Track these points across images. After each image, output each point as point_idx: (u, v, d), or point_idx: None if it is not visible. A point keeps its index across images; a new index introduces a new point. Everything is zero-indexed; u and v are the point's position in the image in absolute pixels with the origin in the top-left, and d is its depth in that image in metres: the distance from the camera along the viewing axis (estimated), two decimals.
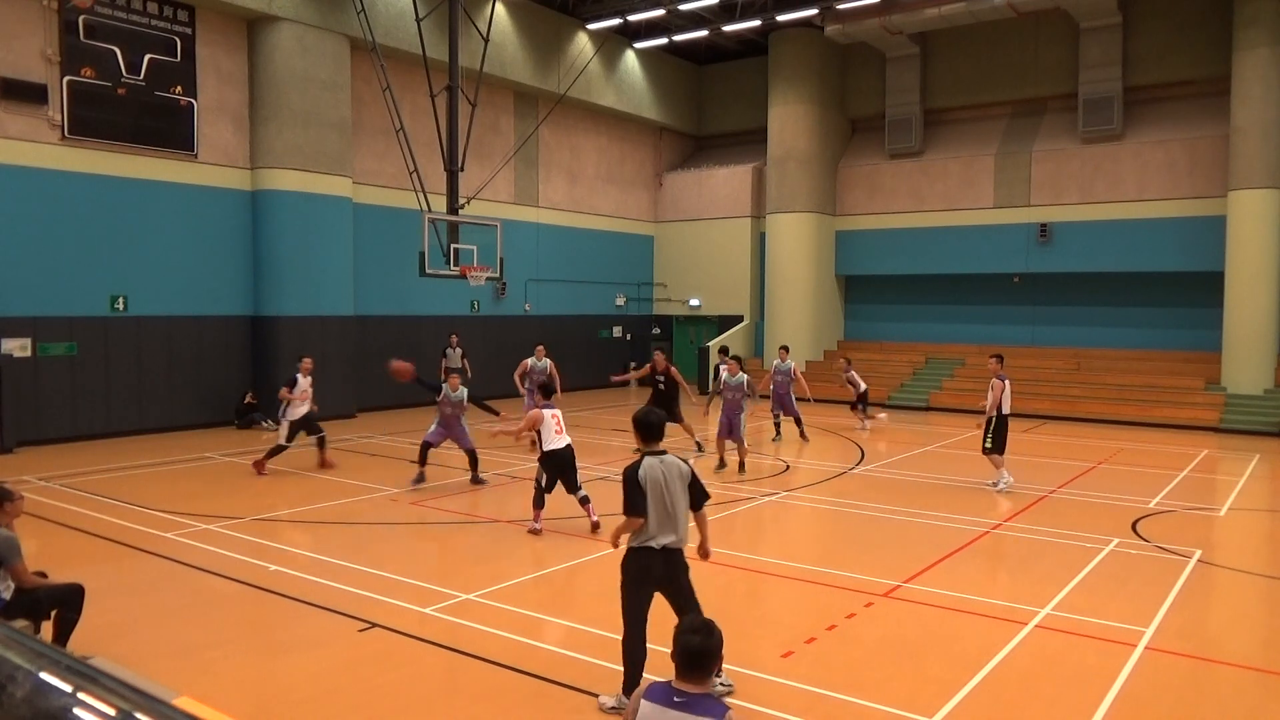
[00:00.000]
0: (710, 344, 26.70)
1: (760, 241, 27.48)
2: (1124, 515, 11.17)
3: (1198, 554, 9.41)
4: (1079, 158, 23.14)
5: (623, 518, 5.52)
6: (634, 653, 5.52)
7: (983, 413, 12.86)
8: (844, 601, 7.76)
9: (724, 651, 3.57)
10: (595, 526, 10.06)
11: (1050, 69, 23.81)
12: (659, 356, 15.84)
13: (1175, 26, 22.19)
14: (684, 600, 5.53)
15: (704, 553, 5.92)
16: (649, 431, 5.69)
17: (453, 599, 7.74)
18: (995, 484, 12.74)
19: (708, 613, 4.25)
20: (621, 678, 5.61)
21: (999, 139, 24.65)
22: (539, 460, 10.18)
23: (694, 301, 28.85)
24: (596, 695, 5.77)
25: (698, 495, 5.64)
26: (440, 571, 8.64)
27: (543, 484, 10.09)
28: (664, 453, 5.63)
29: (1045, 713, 5.67)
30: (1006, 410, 12.59)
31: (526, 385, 15.95)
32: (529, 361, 16.19)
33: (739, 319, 27.87)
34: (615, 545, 5.82)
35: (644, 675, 5.41)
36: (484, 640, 6.74)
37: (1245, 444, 17.71)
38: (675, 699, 3.24)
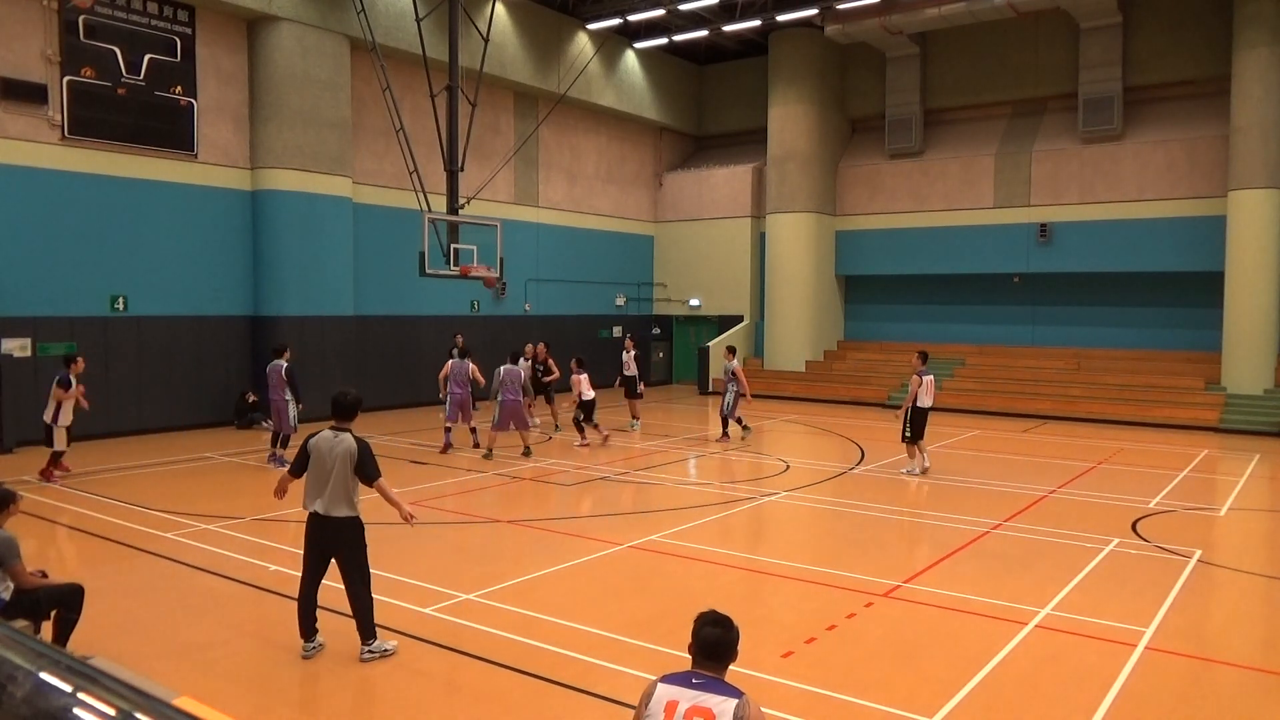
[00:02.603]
0: (710, 344, 26.72)
1: (760, 241, 27.48)
2: (1124, 515, 11.17)
3: (1198, 554, 9.41)
4: (1079, 158, 23.14)
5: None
6: (300, 602, 6.49)
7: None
8: (844, 601, 7.76)
9: (734, 656, 3.62)
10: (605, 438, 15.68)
11: (1050, 69, 23.81)
12: (540, 347, 18.36)
13: (1175, 26, 22.19)
14: (344, 570, 6.40)
15: (405, 516, 6.57)
16: (335, 409, 6.58)
17: (453, 599, 7.74)
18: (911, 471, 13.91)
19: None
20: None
21: (999, 139, 24.65)
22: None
23: (694, 301, 28.85)
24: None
25: (365, 471, 6.35)
26: (440, 571, 8.64)
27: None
28: (346, 431, 6.46)
29: (1045, 713, 5.67)
30: (924, 404, 13.88)
31: (449, 387, 15.79)
32: (451, 363, 16.20)
33: (739, 319, 27.87)
34: (277, 496, 6.93)
35: (641, 676, 5.41)
36: (484, 640, 6.74)
37: (1245, 444, 17.71)
38: (694, 680, 3.38)
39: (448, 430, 15.64)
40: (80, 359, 13.32)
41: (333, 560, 6.44)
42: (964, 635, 7.04)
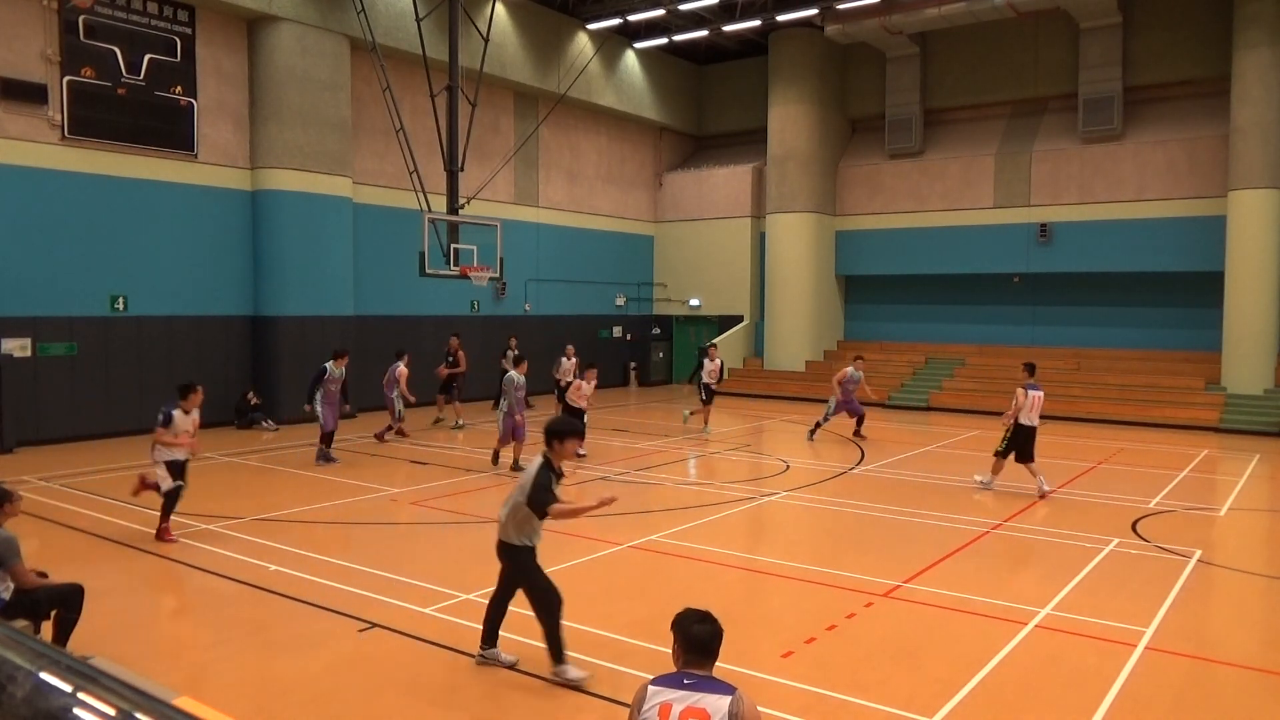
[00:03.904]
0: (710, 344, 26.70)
1: (760, 241, 27.48)
2: (1124, 515, 11.17)
3: (1198, 554, 9.41)
4: (1079, 158, 23.14)
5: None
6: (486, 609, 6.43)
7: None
8: (844, 601, 7.76)
9: (724, 651, 3.62)
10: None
11: (1050, 69, 23.81)
12: (454, 340, 18.91)
13: (1175, 26, 22.19)
14: (501, 585, 6.33)
15: (604, 502, 6.25)
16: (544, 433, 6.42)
17: (453, 599, 7.74)
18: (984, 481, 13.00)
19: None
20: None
21: (999, 139, 24.65)
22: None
23: (694, 301, 28.85)
24: (583, 684, 5.93)
25: (530, 502, 6.10)
26: (440, 571, 8.64)
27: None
28: (543, 458, 6.23)
29: (1045, 713, 5.67)
30: (1028, 422, 12.36)
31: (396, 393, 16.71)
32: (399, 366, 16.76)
33: (739, 319, 27.88)
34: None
35: (642, 676, 5.41)
36: None
37: (1245, 444, 17.71)
38: (685, 680, 3.37)
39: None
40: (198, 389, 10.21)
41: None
42: (964, 635, 7.04)
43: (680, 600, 7.88)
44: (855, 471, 14.22)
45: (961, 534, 10.22)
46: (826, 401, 17.94)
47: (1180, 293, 22.53)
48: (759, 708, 3.44)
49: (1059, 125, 23.83)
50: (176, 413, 9.58)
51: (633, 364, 28.64)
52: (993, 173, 24.33)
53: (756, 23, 23.38)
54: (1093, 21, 22.45)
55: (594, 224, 27.20)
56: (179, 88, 17.35)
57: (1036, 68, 24.04)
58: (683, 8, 22.64)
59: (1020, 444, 12.39)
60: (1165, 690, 6.10)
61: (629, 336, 28.57)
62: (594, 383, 15.36)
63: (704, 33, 24.34)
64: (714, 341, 21.18)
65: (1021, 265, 23.93)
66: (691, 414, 18.85)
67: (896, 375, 24.59)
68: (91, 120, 16.14)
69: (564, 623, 6.08)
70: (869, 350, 26.48)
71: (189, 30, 17.51)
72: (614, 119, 27.44)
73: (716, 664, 3.53)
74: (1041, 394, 12.60)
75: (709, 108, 30.00)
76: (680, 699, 3.30)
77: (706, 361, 18.45)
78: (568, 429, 6.31)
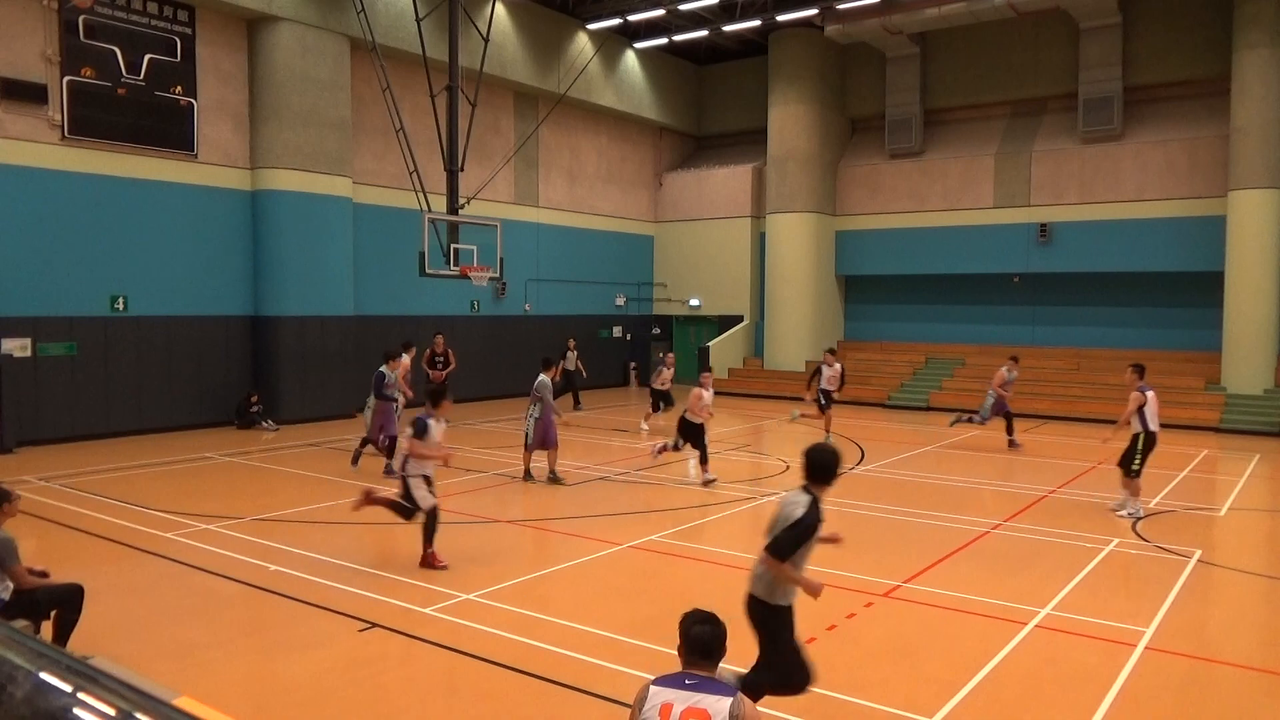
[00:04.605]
0: (711, 344, 26.71)
1: (760, 241, 27.48)
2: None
3: (1198, 554, 9.41)
4: (1079, 158, 23.14)
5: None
6: None
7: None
8: (844, 601, 7.76)
9: (724, 652, 3.62)
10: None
11: (1050, 69, 23.81)
12: (439, 339, 18.16)
13: (1175, 26, 22.19)
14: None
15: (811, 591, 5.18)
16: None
17: (453, 599, 7.74)
18: (1124, 510, 11.24)
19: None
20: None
21: (999, 139, 24.65)
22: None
23: (694, 301, 28.85)
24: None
25: (772, 544, 5.02)
26: (440, 571, 8.63)
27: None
28: (806, 492, 5.07)
29: (1045, 713, 5.67)
30: (1153, 427, 11.10)
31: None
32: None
33: (739, 319, 27.87)
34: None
35: (644, 676, 5.40)
36: (484, 640, 6.74)
37: (1245, 444, 17.71)
38: (687, 681, 3.38)
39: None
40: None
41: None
42: (964, 635, 7.04)
43: (680, 600, 7.88)
44: (855, 471, 14.22)
45: (961, 534, 10.22)
46: (980, 404, 17.37)
47: (1180, 293, 22.52)
48: (759, 708, 3.44)
49: (1059, 125, 23.83)
50: (432, 421, 8.72)
51: (633, 364, 28.64)
52: (993, 173, 24.33)
53: (756, 23, 23.38)
54: (1092, 21, 22.45)
55: (594, 224, 27.20)
56: (179, 88, 17.35)
57: (1036, 68, 24.04)
58: (683, 8, 22.63)
59: (1146, 457, 11.05)
60: (1165, 690, 6.10)
61: (628, 336, 28.58)
62: (712, 390, 13.63)
63: (704, 33, 24.34)
64: (832, 349, 19.62)
65: (1021, 265, 23.93)
66: (801, 415, 18.60)
67: (896, 375, 24.59)
68: (91, 120, 16.13)
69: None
70: (869, 350, 26.53)
71: (189, 30, 17.50)
72: (614, 119, 27.44)
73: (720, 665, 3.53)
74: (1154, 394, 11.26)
75: (709, 108, 30.00)
76: (681, 699, 3.30)
77: (825, 368, 17.27)
78: (837, 463, 5.10)
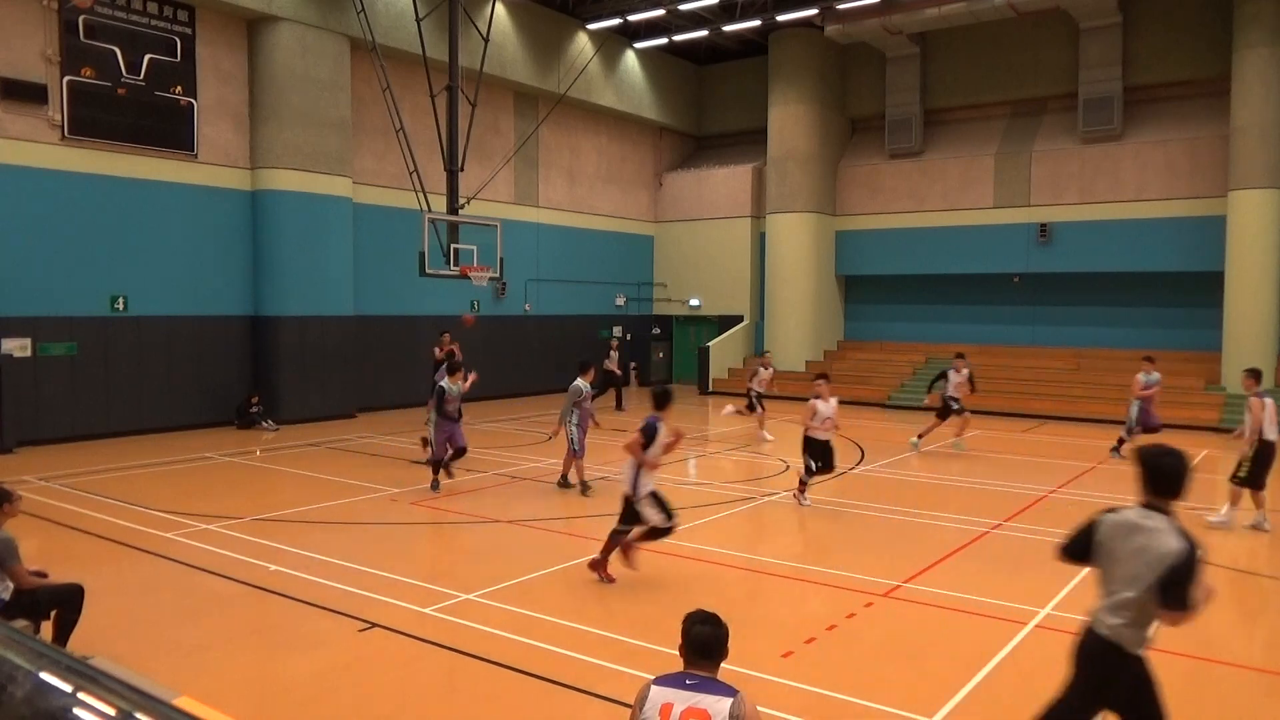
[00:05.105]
0: (711, 344, 26.69)
1: (760, 241, 27.48)
2: None
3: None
4: (1079, 158, 23.14)
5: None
6: None
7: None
8: (844, 601, 7.76)
9: (725, 653, 3.63)
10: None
11: (1050, 69, 23.81)
12: (445, 336, 17.91)
13: (1175, 26, 22.19)
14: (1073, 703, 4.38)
15: None
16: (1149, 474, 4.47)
17: (453, 599, 7.74)
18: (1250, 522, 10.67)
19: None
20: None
21: (999, 139, 24.65)
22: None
23: (694, 301, 28.85)
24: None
25: (1164, 596, 4.23)
26: (440, 571, 8.64)
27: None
28: (1163, 514, 4.44)
29: None
30: (1272, 436, 10.37)
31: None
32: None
33: (739, 319, 27.88)
34: None
35: (644, 675, 5.40)
36: (484, 640, 6.74)
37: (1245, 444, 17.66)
38: (688, 681, 3.38)
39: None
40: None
41: None
42: (964, 635, 7.04)
43: (680, 600, 7.88)
44: (855, 471, 14.22)
45: (961, 534, 10.22)
46: (1126, 415, 15.81)
47: (1180, 293, 22.52)
48: (759, 708, 3.44)
49: (1059, 125, 23.83)
50: (661, 426, 8.10)
51: (633, 364, 28.63)
52: (992, 173, 24.33)
53: (756, 23, 23.39)
54: (1092, 21, 22.45)
55: (594, 224, 27.20)
56: (179, 88, 17.35)
57: (1036, 68, 24.04)
58: (683, 8, 22.64)
59: (1264, 467, 10.41)
60: (1165, 690, 6.09)
61: (627, 336, 28.57)
62: (832, 399, 12.00)
63: (704, 33, 24.35)
64: (960, 353, 17.59)
65: (1021, 265, 23.93)
66: (920, 438, 16.52)
67: (896, 375, 24.58)
68: (91, 120, 16.13)
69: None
70: (869, 350, 26.53)
71: (189, 30, 17.51)
72: (614, 119, 27.44)
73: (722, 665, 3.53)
74: (1274, 403, 10.53)
75: (709, 108, 30.00)
76: (682, 699, 3.30)
77: (952, 374, 16.36)
78: (1186, 470, 4.42)
